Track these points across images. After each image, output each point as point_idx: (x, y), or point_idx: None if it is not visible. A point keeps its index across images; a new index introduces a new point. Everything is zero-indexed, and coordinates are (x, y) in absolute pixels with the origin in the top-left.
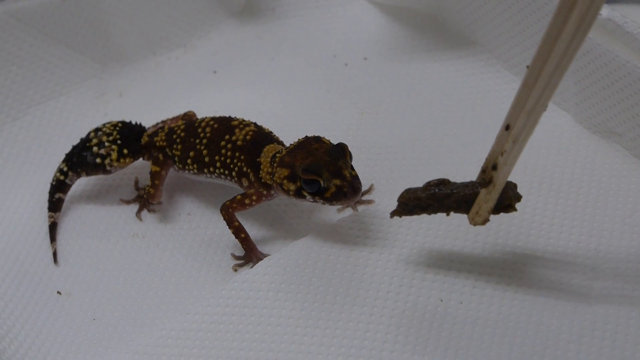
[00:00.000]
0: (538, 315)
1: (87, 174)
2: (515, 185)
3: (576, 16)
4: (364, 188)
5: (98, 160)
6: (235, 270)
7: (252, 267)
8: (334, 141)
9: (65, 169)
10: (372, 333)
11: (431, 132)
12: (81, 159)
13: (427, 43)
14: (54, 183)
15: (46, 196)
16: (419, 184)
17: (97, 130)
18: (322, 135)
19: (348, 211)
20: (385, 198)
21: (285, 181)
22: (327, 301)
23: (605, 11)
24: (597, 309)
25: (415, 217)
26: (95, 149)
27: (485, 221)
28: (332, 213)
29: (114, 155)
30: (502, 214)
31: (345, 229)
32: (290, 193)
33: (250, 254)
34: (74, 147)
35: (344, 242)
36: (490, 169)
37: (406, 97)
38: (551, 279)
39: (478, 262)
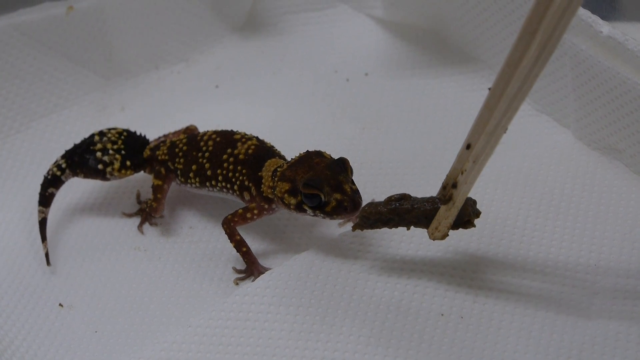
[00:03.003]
0: (538, 330)
1: (85, 176)
2: (474, 202)
3: (538, 42)
4: (365, 202)
5: (100, 166)
6: (237, 284)
7: (253, 280)
8: (335, 156)
9: (63, 165)
10: (373, 347)
11: (432, 148)
12: (82, 161)
13: (429, 59)
14: (48, 177)
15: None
16: None
17: (102, 134)
18: (323, 150)
19: (349, 226)
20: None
21: (286, 195)
22: (328, 315)
23: (606, 29)
24: (597, 325)
25: (417, 232)
26: (99, 154)
27: (444, 236)
28: (334, 228)
29: (117, 165)
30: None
31: (346, 243)
32: (291, 207)
33: (251, 268)
34: (76, 146)
35: (345, 257)
36: (450, 186)
37: (407, 112)
38: (551, 294)
39: (478, 277)
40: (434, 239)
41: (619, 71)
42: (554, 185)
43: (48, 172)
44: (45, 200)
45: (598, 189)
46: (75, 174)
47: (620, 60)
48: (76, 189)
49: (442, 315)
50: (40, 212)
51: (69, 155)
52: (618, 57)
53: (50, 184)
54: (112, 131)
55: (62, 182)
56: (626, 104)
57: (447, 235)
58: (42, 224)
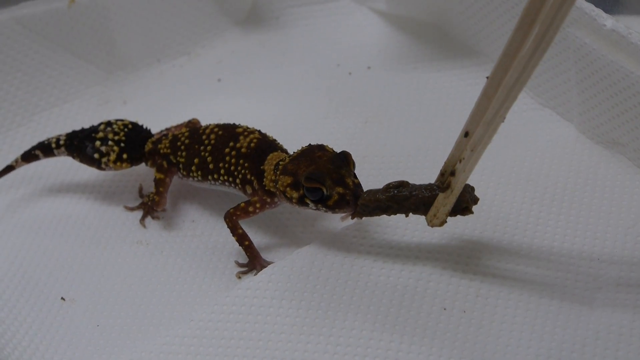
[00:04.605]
0: (541, 323)
1: (80, 161)
2: (472, 189)
3: (536, 33)
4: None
5: (96, 155)
6: (239, 278)
7: (255, 274)
8: (338, 149)
9: (61, 142)
10: (375, 341)
11: (434, 141)
12: (81, 146)
13: (431, 52)
14: (44, 142)
15: (50, 201)
16: None
17: (108, 123)
18: (325, 144)
19: (351, 220)
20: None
21: (288, 189)
22: (330, 309)
23: (609, 22)
24: (599, 318)
25: (418, 227)
26: (98, 143)
27: (442, 223)
28: (336, 221)
29: (113, 156)
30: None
31: (348, 237)
32: (293, 201)
33: (254, 262)
34: (81, 130)
35: (348, 250)
36: (448, 173)
37: (409, 106)
38: (554, 287)
39: (481, 271)
40: (432, 226)
41: (622, 65)
42: (557, 178)
43: (47, 139)
44: (27, 155)
45: (601, 182)
46: (72, 156)
47: (624, 53)
48: (77, 183)
49: (444, 309)
50: (15, 160)
51: (71, 136)
52: (621, 50)
53: (41, 148)
54: (119, 122)
55: (53, 154)
56: (629, 97)
57: (445, 222)
58: (7, 169)
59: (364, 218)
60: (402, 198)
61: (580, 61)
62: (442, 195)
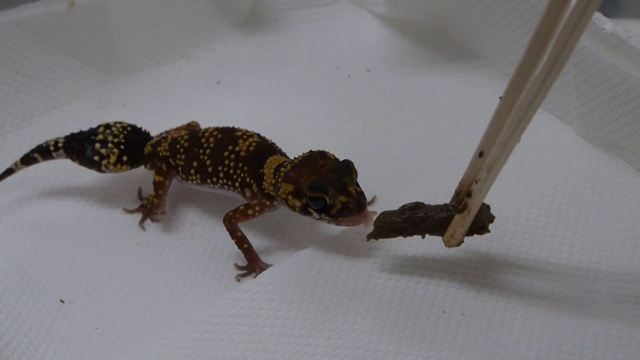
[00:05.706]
0: (540, 327)
1: (80, 164)
2: (488, 207)
3: (550, 53)
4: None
5: (96, 158)
6: (239, 281)
7: (255, 277)
8: (338, 153)
9: (60, 144)
10: (374, 344)
11: (434, 144)
12: (81, 149)
13: (430, 56)
14: (43, 145)
15: (49, 203)
16: (422, 195)
17: (107, 126)
18: (325, 148)
19: None
20: (387, 209)
21: (290, 197)
22: (330, 311)
23: (608, 25)
24: (599, 321)
25: None
26: (97, 145)
27: (460, 243)
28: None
29: (113, 159)
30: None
31: (348, 239)
32: (296, 209)
33: (253, 264)
34: (80, 133)
35: (347, 253)
36: (464, 194)
37: (409, 109)
38: (553, 291)
39: (480, 274)
40: (449, 247)
41: (622, 68)
42: (556, 182)
43: (45, 142)
44: (26, 158)
45: (600, 186)
46: (71, 158)
47: (623, 57)
48: (77, 185)
49: (444, 312)
50: (14, 163)
51: (69, 139)
52: (621, 54)
53: (39, 151)
54: (118, 125)
55: (51, 157)
56: (629, 101)
57: (463, 242)
58: (7, 172)
59: (379, 240)
60: (417, 220)
61: (579, 64)
62: (458, 216)
